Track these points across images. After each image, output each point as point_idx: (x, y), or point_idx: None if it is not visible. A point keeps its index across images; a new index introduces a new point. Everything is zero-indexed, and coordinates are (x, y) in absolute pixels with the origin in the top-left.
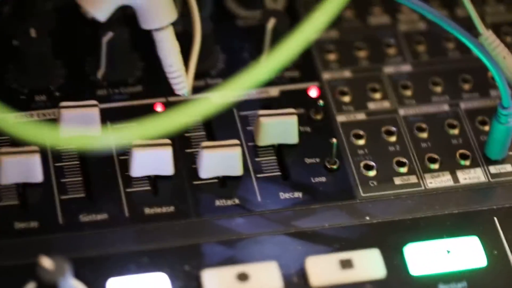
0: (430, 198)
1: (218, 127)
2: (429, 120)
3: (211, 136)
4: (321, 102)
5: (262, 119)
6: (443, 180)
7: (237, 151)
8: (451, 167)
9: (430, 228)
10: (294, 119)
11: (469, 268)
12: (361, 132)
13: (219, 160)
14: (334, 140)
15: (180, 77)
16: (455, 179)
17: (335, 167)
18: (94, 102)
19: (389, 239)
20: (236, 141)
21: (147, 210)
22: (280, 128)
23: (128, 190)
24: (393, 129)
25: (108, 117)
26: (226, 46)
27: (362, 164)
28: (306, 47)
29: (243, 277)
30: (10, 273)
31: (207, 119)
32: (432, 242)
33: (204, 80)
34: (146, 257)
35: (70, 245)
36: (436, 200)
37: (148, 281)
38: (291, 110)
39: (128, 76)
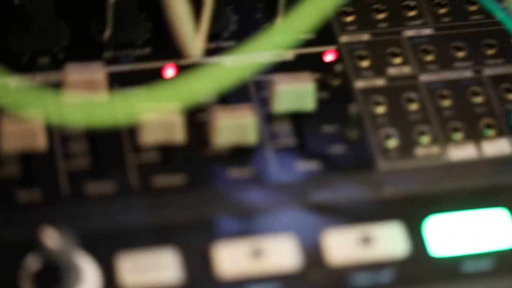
0: (453, 170)
1: (230, 92)
2: (451, 87)
3: (222, 102)
4: (338, 67)
5: (276, 85)
6: (467, 151)
7: (251, 119)
8: (475, 137)
9: (453, 201)
10: (311, 85)
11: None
12: (381, 99)
13: (231, 129)
14: (353, 109)
15: (191, 38)
16: (479, 150)
17: (353, 136)
18: (100, 64)
19: (410, 212)
20: (250, 108)
21: (157, 181)
22: (296, 95)
23: (137, 159)
24: (414, 96)
25: (115, 81)
26: (238, 7)
27: (382, 134)
28: (326, 11)
29: (256, 251)
30: (11, 247)
31: (221, 86)
32: (456, 214)
33: (216, 42)
34: (155, 230)
35: (75, 217)
36: (459, 172)
37: (157, 255)
38: (308, 75)
39: (136, 38)
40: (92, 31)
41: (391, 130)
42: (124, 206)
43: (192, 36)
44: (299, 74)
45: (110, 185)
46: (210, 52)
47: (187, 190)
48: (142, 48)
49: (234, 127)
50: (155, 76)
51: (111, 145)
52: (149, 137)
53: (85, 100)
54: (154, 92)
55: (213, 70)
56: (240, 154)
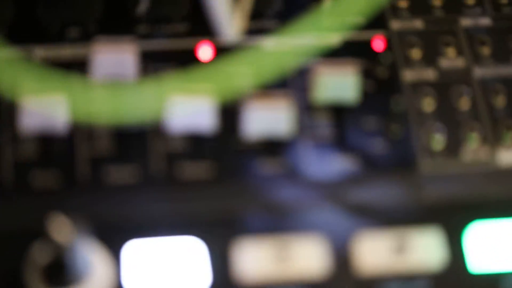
0: (503, 177)
1: (270, 78)
2: (508, 83)
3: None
4: (386, 56)
5: (317, 72)
6: None
7: (287, 110)
8: None
9: (499, 211)
10: (354, 75)
11: None
12: (430, 93)
13: (266, 119)
14: (398, 103)
15: (228, 16)
16: None
17: (397, 133)
18: (131, 39)
19: (450, 219)
20: (286, 97)
21: (183, 171)
22: (337, 85)
23: (163, 147)
24: (466, 91)
25: (148, 58)
26: None
27: (428, 133)
28: None
29: (282, 252)
30: (26, 232)
31: (260, 71)
32: (500, 222)
33: (259, 21)
34: (177, 222)
35: (93, 204)
36: (508, 178)
37: (179, 244)
38: (352, 63)
39: (173, 13)
40: (127, 3)
41: (438, 129)
42: (147, 196)
43: (229, 13)
44: (343, 62)
45: (132, 173)
46: (251, 32)
47: (215, 183)
48: (179, 23)
49: (268, 116)
50: (190, 55)
51: (136, 130)
52: (177, 124)
53: (113, 85)
54: (187, 75)
55: (252, 53)
56: (273, 147)
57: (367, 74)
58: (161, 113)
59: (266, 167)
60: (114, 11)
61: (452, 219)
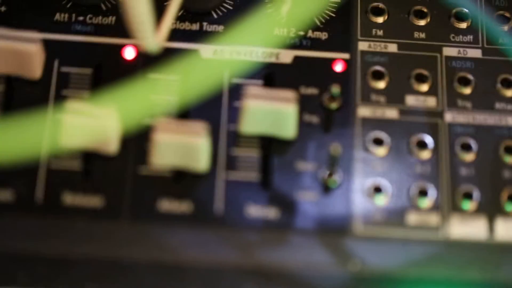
0: (451, 250)
1: (199, 95)
2: (482, 135)
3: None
4: (335, 89)
5: (248, 100)
6: (474, 229)
7: (202, 140)
8: (491, 210)
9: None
10: (290, 108)
11: None
12: (384, 137)
13: (176, 147)
14: (336, 149)
15: (145, 26)
16: (491, 229)
17: (333, 183)
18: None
19: None
20: (202, 126)
21: (66, 198)
22: (270, 116)
23: (51, 167)
24: (429, 140)
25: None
26: None
27: (371, 185)
28: None
29: None
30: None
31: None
32: None
33: (200, 23)
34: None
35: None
36: (458, 254)
37: None
38: (289, 94)
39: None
40: None
41: (383, 181)
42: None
43: (148, 22)
44: (282, 90)
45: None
46: (189, 35)
47: (101, 218)
48: (103, 16)
49: (180, 146)
50: (114, 54)
51: None
52: (69, 141)
53: None
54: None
55: (186, 61)
56: (182, 180)
57: (315, 102)
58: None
59: (169, 204)
60: None
61: None
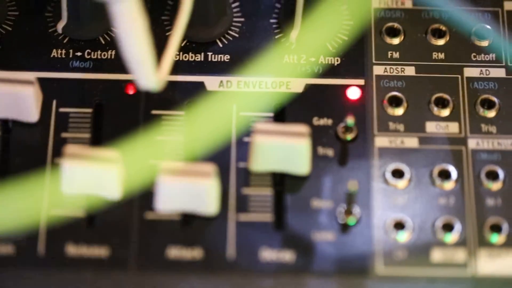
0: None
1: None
2: (509, 161)
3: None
4: (350, 120)
5: (257, 137)
6: (504, 264)
7: (210, 182)
8: None
9: None
10: (303, 143)
11: None
12: (404, 168)
13: (183, 190)
14: (353, 186)
15: (144, 65)
16: None
17: (351, 221)
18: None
19: None
20: (210, 167)
21: (70, 249)
22: (282, 153)
23: (53, 213)
24: (452, 169)
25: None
26: (247, 6)
27: (392, 220)
28: None
29: None
30: None
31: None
32: None
33: (205, 53)
34: None
35: None
36: None
37: None
38: (302, 128)
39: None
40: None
41: (404, 218)
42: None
43: (149, 66)
44: (294, 125)
45: None
46: (193, 67)
47: (107, 268)
48: (102, 51)
49: (186, 191)
50: (115, 91)
51: None
52: (71, 187)
53: None
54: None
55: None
56: (191, 225)
57: (330, 134)
58: None
59: (177, 251)
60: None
61: None
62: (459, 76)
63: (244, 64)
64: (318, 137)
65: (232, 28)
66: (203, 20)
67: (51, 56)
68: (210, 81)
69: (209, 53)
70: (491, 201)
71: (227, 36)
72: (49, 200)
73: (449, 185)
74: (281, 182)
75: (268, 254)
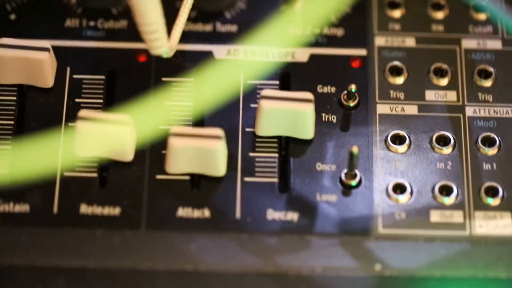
0: (475, 249)
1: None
2: (504, 128)
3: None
4: (353, 87)
5: (264, 102)
6: (500, 226)
7: (218, 145)
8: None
9: None
10: (308, 109)
11: None
12: (404, 134)
13: (192, 153)
14: (355, 149)
15: (156, 33)
16: None
17: (353, 182)
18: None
19: None
20: (218, 131)
21: (83, 208)
22: (288, 118)
23: (67, 174)
24: (450, 136)
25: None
26: None
27: (391, 184)
28: None
29: None
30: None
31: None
32: None
33: (213, 24)
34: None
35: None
36: (482, 252)
37: None
38: (306, 94)
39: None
40: None
41: (403, 180)
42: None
43: (161, 34)
44: (298, 92)
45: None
46: (202, 36)
47: (119, 227)
48: (116, 20)
49: (195, 153)
50: (127, 59)
51: None
52: (83, 150)
53: None
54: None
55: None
56: (199, 186)
57: (333, 101)
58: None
59: (185, 212)
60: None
61: None
62: (457, 47)
63: (251, 35)
64: (322, 104)
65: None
66: None
67: (65, 25)
68: (218, 50)
69: (218, 24)
70: (487, 166)
71: (235, 7)
72: (63, 162)
73: (447, 150)
74: (286, 146)
75: (273, 215)
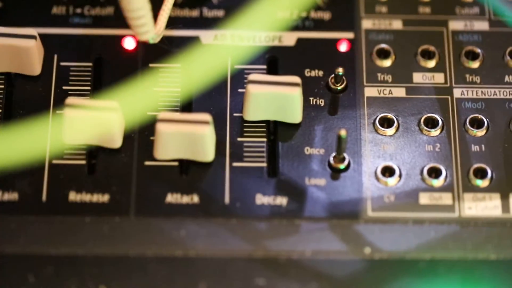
0: (464, 230)
1: (201, 83)
2: (492, 110)
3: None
4: (340, 70)
5: (251, 86)
6: (489, 207)
7: (206, 130)
8: (505, 187)
9: (452, 276)
10: (295, 93)
11: None
12: (392, 116)
13: (180, 138)
14: (343, 132)
15: (143, 18)
16: (506, 207)
17: (341, 166)
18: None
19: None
20: (206, 116)
21: (72, 196)
22: (275, 102)
23: (55, 162)
24: (438, 118)
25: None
26: None
27: (380, 167)
28: None
29: None
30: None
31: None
32: None
33: (199, 9)
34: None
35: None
36: (472, 234)
37: None
38: (294, 78)
39: None
40: None
41: (392, 164)
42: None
43: (147, 20)
44: (286, 76)
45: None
46: (189, 22)
47: (108, 213)
48: (103, 7)
49: (183, 138)
50: (114, 46)
51: None
52: (72, 137)
53: None
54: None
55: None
56: (188, 172)
57: (321, 85)
58: None
59: (174, 197)
60: None
61: (395, 284)
62: (445, 29)
63: (238, 19)
64: (310, 88)
65: None
66: None
67: (52, 13)
68: (205, 35)
69: (204, 9)
70: (476, 147)
71: None
72: (51, 150)
73: (435, 133)
74: (274, 131)
75: (262, 200)
